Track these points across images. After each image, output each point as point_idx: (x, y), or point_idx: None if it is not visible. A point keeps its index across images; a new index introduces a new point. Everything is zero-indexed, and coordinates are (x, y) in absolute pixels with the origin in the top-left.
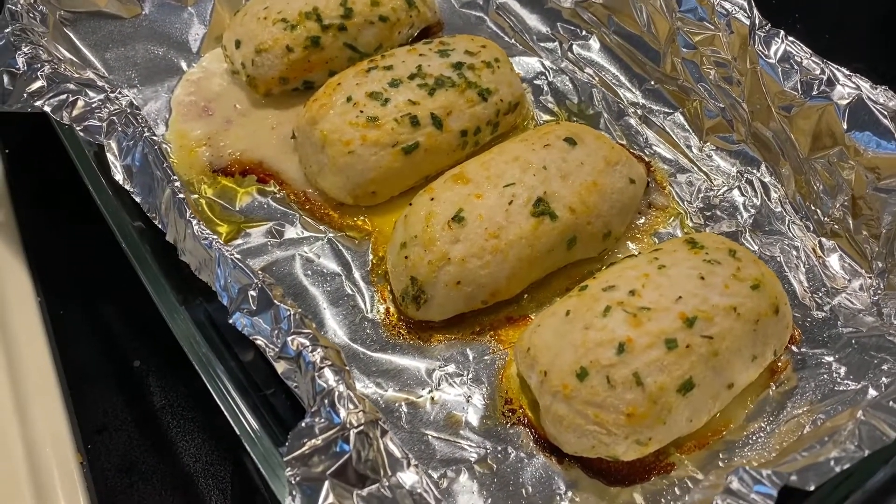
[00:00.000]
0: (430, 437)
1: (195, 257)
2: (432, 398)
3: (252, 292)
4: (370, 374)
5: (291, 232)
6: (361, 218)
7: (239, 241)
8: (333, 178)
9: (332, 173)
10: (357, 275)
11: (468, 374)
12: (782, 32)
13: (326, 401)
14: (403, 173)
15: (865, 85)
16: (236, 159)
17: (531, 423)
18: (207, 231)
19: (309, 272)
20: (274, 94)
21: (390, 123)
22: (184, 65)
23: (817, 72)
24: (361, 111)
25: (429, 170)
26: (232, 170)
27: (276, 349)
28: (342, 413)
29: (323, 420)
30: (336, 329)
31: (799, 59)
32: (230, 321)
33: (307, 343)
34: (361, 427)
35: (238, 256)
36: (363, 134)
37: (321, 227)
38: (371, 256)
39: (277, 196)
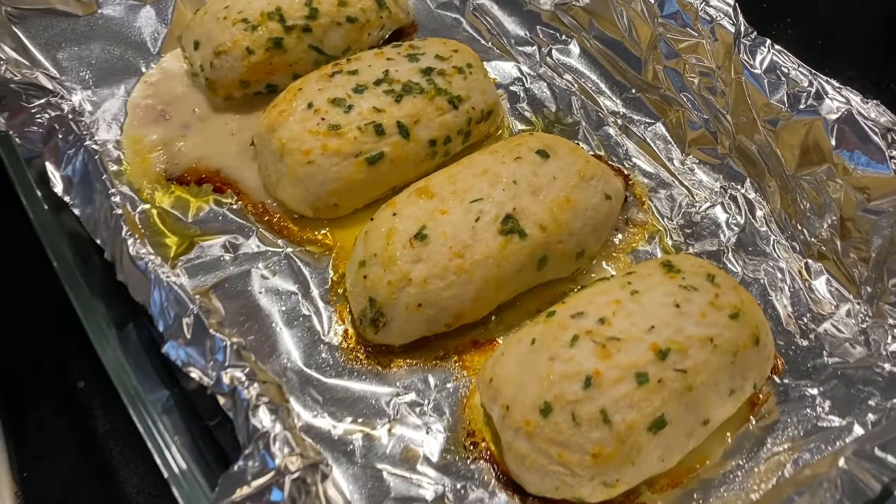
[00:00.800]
0: (385, 472)
1: (131, 278)
2: (389, 430)
3: (187, 320)
4: (324, 403)
5: (247, 246)
6: (323, 231)
7: (191, 255)
8: (292, 190)
9: (291, 184)
10: (315, 293)
11: (429, 404)
12: (769, 41)
13: (261, 443)
14: (367, 185)
15: (856, 98)
16: (192, 167)
17: (494, 458)
18: (146, 251)
19: (264, 290)
20: (235, 99)
21: (353, 132)
22: (142, 66)
23: (805, 84)
24: (323, 118)
25: (395, 181)
26: (187, 178)
27: (211, 382)
28: (277, 457)
29: (256, 464)
30: (290, 352)
31: (786, 70)
32: (163, 351)
33: (243, 378)
34: (298, 473)
35: (174, 280)
36: (324, 143)
37: (279, 241)
38: (331, 273)
39: (234, 207)
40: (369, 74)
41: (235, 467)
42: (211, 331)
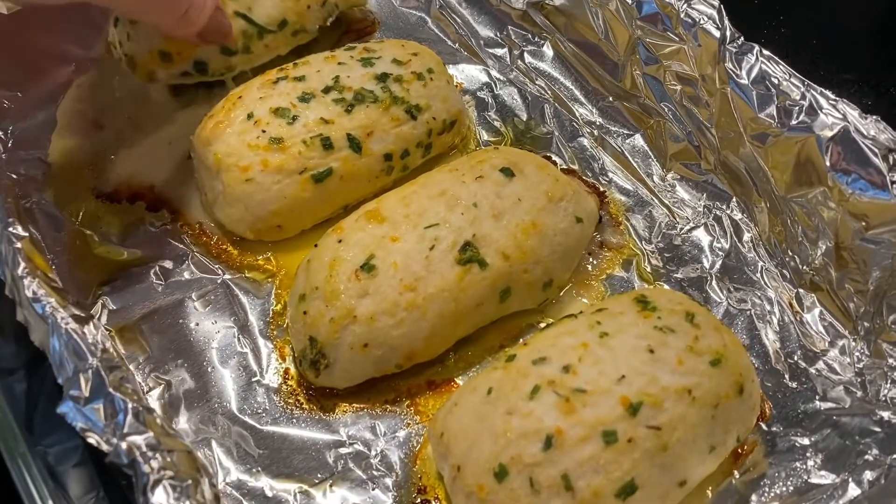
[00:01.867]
0: None
1: (30, 321)
2: (330, 486)
3: (85, 375)
4: (258, 456)
5: (181, 272)
6: (265, 255)
7: (118, 282)
8: (230, 210)
9: (229, 203)
10: (254, 327)
11: (376, 456)
12: (757, 48)
13: None
14: (314, 204)
15: (853, 113)
16: (125, 182)
17: None
18: (43, 291)
19: (197, 323)
20: (159, 80)
21: (297, 146)
22: (74, 69)
23: (797, 96)
24: (264, 131)
25: (346, 199)
26: (119, 195)
27: (111, 450)
28: None
29: None
30: (223, 395)
31: (776, 81)
32: (59, 411)
33: (143, 447)
34: None
35: (74, 327)
36: (264, 158)
37: (217, 267)
38: (273, 304)
39: (169, 228)
40: (318, 81)
41: None
42: (110, 389)
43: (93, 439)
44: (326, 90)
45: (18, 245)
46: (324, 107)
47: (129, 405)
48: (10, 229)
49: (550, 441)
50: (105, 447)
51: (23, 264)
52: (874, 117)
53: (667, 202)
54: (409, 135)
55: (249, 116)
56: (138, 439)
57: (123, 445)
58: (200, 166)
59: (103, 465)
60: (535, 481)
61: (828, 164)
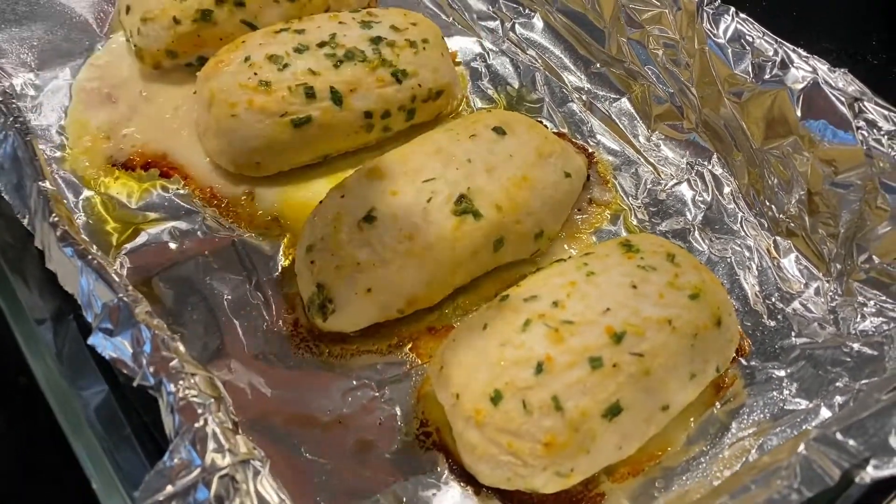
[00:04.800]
0: (334, 466)
1: (60, 266)
2: (339, 420)
3: (113, 309)
4: (271, 395)
5: (195, 232)
6: (272, 217)
7: (136, 242)
8: (216, 141)
9: (215, 135)
10: (264, 281)
11: (381, 394)
12: (733, 9)
13: (187, 439)
14: (292, 147)
15: (823, 67)
16: (138, 152)
17: (448, 449)
18: (73, 237)
19: (211, 277)
20: (165, 68)
21: (282, 91)
22: (88, 47)
23: (770, 53)
24: (255, 73)
25: (326, 149)
26: (133, 163)
27: (137, 376)
28: (204, 454)
29: (182, 461)
30: (237, 342)
31: (750, 39)
32: (88, 342)
33: (170, 370)
34: (227, 470)
35: (103, 266)
36: (251, 98)
37: (228, 226)
38: (281, 259)
39: (181, 192)
40: (315, 35)
41: (160, 465)
42: (137, 320)
43: (121, 366)
44: (321, 45)
45: (48, 196)
46: (315, 59)
47: (154, 333)
48: (40, 183)
49: (541, 367)
50: (133, 372)
51: (53, 213)
52: (842, 70)
53: (652, 161)
54: (392, 97)
55: (246, 59)
56: (164, 363)
57: (151, 369)
58: (199, 100)
59: (127, 406)
60: (527, 403)
61: (798, 114)
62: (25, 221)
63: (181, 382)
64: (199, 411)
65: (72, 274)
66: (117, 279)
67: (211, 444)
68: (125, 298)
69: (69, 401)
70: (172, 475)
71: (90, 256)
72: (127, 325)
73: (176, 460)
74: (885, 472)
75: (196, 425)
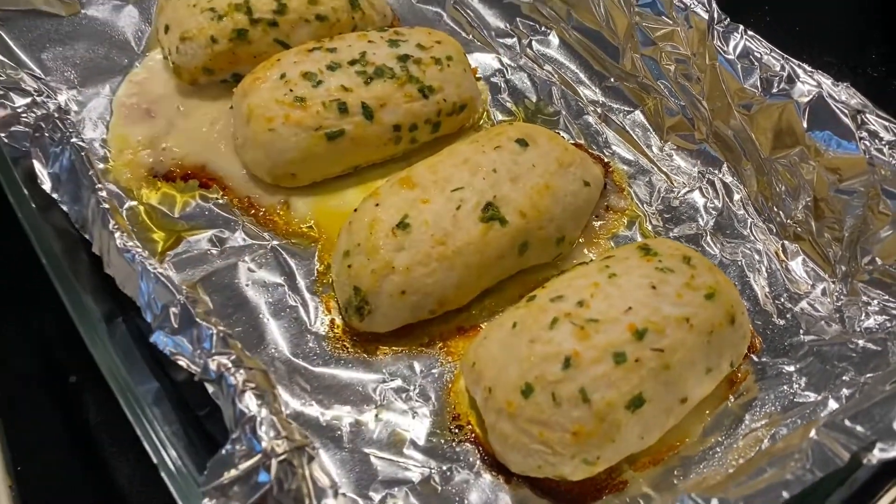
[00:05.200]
0: (372, 456)
1: (119, 271)
2: (376, 415)
3: (174, 309)
4: (312, 391)
5: (234, 239)
6: (307, 225)
7: (179, 250)
8: (253, 153)
9: (253, 148)
10: (301, 284)
11: (415, 389)
12: (741, 27)
13: (248, 427)
14: (325, 159)
15: (827, 81)
16: (178, 164)
17: (479, 440)
18: (131, 243)
19: (251, 282)
20: (201, 84)
21: (317, 106)
22: (126, 64)
23: (777, 68)
24: (291, 90)
25: (356, 160)
26: (174, 175)
27: (199, 370)
28: (264, 441)
29: (244, 447)
30: (277, 343)
31: (759, 55)
32: (151, 340)
33: (229, 364)
34: (284, 455)
35: (161, 271)
36: (287, 113)
37: (265, 235)
38: (317, 265)
39: (220, 202)
40: (346, 54)
41: (223, 451)
42: (198, 319)
43: (182, 362)
44: (352, 62)
45: (106, 206)
46: (347, 76)
47: (214, 331)
48: (100, 192)
49: (569, 362)
50: (194, 368)
51: (112, 221)
52: (845, 84)
53: (665, 170)
54: (419, 111)
55: (282, 76)
56: (223, 358)
57: (212, 364)
58: (236, 114)
59: (178, 402)
60: (556, 396)
61: (805, 126)
62: (84, 231)
63: (240, 376)
64: (258, 402)
65: (131, 278)
66: (173, 282)
67: (270, 433)
68: (185, 299)
69: (133, 392)
70: (235, 460)
71: (149, 263)
72: (188, 324)
73: (238, 447)
74: (891, 454)
75: (255, 415)
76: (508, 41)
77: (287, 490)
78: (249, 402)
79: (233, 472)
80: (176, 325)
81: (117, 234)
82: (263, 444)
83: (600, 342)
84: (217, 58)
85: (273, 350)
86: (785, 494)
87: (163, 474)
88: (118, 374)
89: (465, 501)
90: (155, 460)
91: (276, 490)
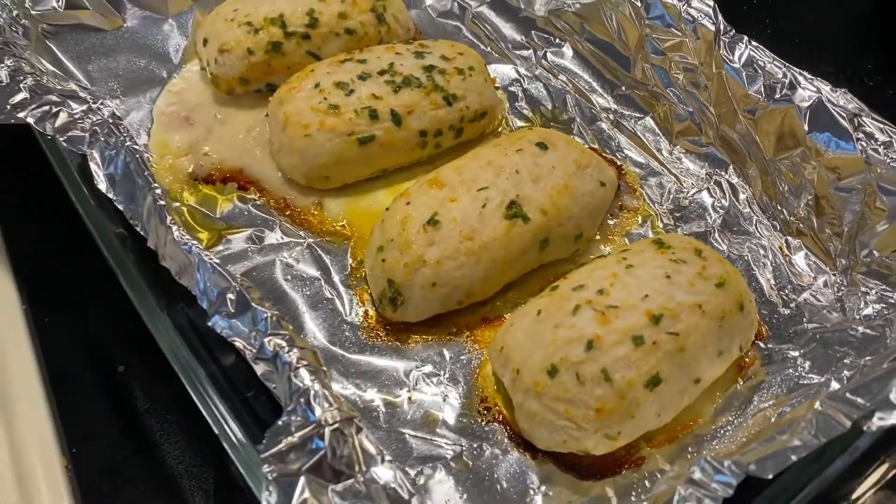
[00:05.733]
0: (407, 435)
1: (175, 262)
2: (409, 398)
3: (230, 295)
4: (349, 376)
5: (271, 237)
6: (340, 224)
7: (220, 248)
8: (290, 158)
9: (289, 153)
10: (336, 279)
11: (445, 374)
12: (746, 38)
13: (302, 399)
14: (357, 162)
15: (825, 88)
16: (217, 168)
17: (506, 420)
18: (187, 237)
19: (289, 277)
20: (237, 94)
21: (349, 113)
22: (165, 75)
23: (779, 75)
24: (325, 98)
25: (385, 163)
26: (213, 178)
27: (254, 350)
28: (317, 411)
29: (299, 418)
30: (315, 332)
31: (762, 64)
32: (209, 323)
33: (284, 344)
34: (336, 425)
35: (217, 261)
36: (322, 120)
37: (300, 233)
38: (350, 260)
39: (258, 203)
40: (376, 64)
41: (280, 422)
42: (253, 304)
43: (239, 343)
44: (381, 73)
45: (163, 202)
46: (376, 85)
47: (269, 314)
48: (156, 190)
49: (591, 344)
50: (250, 348)
51: (169, 216)
52: (842, 90)
53: (674, 171)
54: (444, 118)
55: (316, 86)
56: (278, 339)
57: (268, 344)
58: (273, 121)
59: (228, 384)
60: (580, 375)
61: (806, 128)
62: (138, 227)
63: (294, 354)
64: (311, 377)
65: (188, 269)
66: (229, 271)
67: (324, 404)
68: (240, 286)
69: (194, 371)
70: (291, 430)
71: (205, 254)
72: (244, 308)
73: (293, 418)
74: (888, 422)
75: (309, 388)
76: (524, 53)
77: (339, 456)
78: (304, 377)
79: (290, 440)
80: (232, 310)
81: (174, 228)
82: (317, 414)
83: (620, 326)
84: (253, 69)
85: (312, 339)
86: (793, 457)
87: (224, 444)
88: (179, 353)
89: (495, 475)
90: (216, 431)
91: (330, 456)
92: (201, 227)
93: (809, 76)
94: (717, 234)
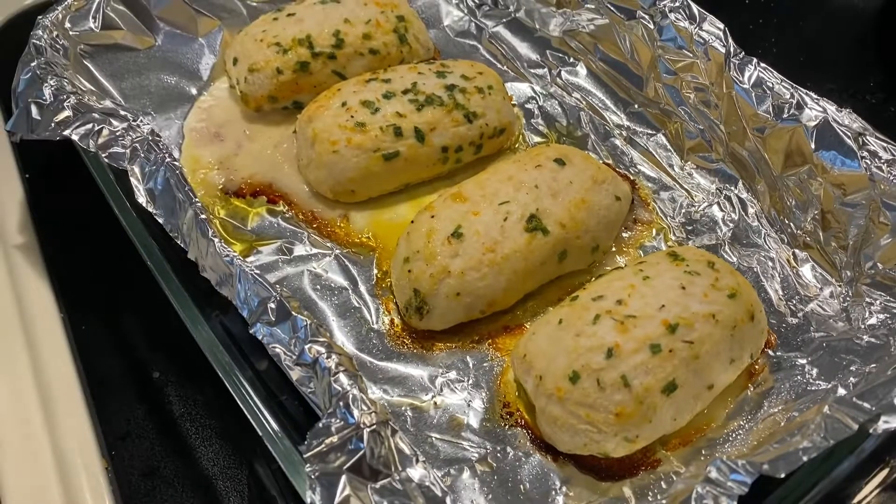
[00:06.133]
0: (433, 438)
1: (216, 273)
2: (435, 403)
3: (271, 304)
4: (377, 381)
5: (300, 249)
6: (365, 236)
7: (251, 259)
8: (318, 172)
9: (318, 168)
10: (363, 288)
11: (468, 380)
12: (755, 60)
13: (342, 403)
14: (382, 177)
15: (831, 108)
16: (247, 182)
17: (528, 424)
18: (228, 249)
19: (318, 286)
20: (265, 111)
21: (375, 131)
22: (195, 92)
23: (787, 96)
24: (352, 116)
25: (408, 178)
26: (243, 192)
27: (294, 356)
28: (356, 413)
29: (339, 420)
30: (344, 340)
31: (771, 85)
32: (251, 331)
33: (323, 350)
34: (374, 426)
35: (257, 272)
36: (349, 136)
37: (328, 245)
38: (375, 271)
39: (286, 216)
40: (399, 84)
41: (321, 423)
42: (293, 313)
43: (279, 349)
44: (405, 91)
45: (203, 216)
46: (401, 104)
47: (308, 322)
48: (197, 204)
49: (611, 352)
50: (290, 355)
51: (211, 230)
52: (847, 109)
53: (686, 186)
54: (465, 135)
55: (343, 104)
56: (318, 346)
57: (308, 350)
58: (301, 137)
59: (264, 387)
60: (601, 381)
61: (812, 147)
62: (178, 239)
63: (333, 359)
64: (350, 382)
65: (229, 279)
66: (269, 281)
67: (363, 406)
68: (280, 297)
69: (235, 373)
70: (332, 431)
71: (245, 265)
72: (284, 316)
73: (333, 420)
74: (893, 425)
75: (348, 391)
76: (539, 71)
77: (377, 457)
78: (343, 381)
79: (331, 440)
80: (273, 318)
81: (216, 241)
82: (357, 417)
83: (638, 335)
84: (281, 87)
85: (342, 346)
86: (804, 458)
87: (267, 444)
88: (220, 356)
89: (518, 477)
90: (260, 433)
91: (369, 456)
92: (234, 239)
93: (816, 97)
94: (727, 247)
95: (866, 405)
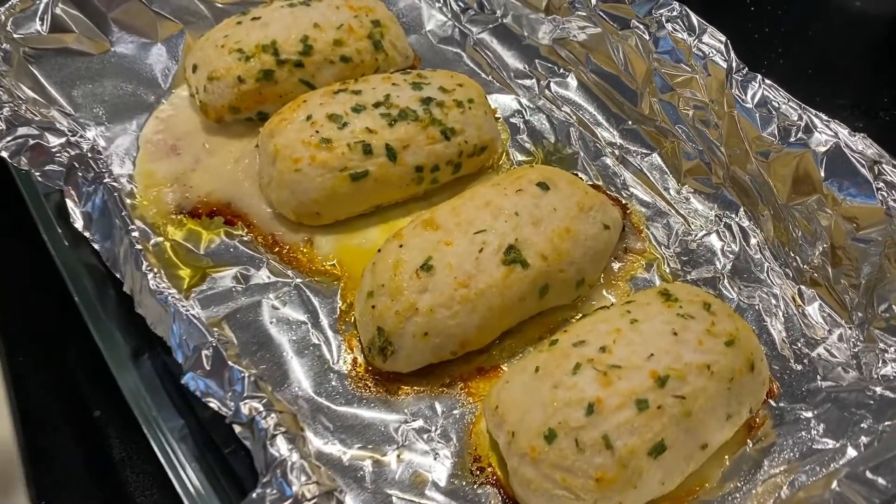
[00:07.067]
0: (394, 497)
1: (151, 312)
2: (398, 456)
3: (206, 352)
4: (334, 430)
5: (258, 277)
6: (330, 263)
7: (204, 287)
8: (279, 192)
9: (279, 187)
10: (324, 323)
11: (436, 430)
12: (759, 76)
13: (279, 471)
14: (350, 199)
15: (843, 132)
16: (203, 200)
17: (500, 482)
18: (164, 284)
19: (275, 320)
20: (227, 122)
21: (342, 148)
22: (153, 101)
23: (795, 117)
24: (317, 131)
25: (379, 200)
26: (199, 211)
27: (230, 412)
28: (294, 485)
29: (275, 491)
30: (301, 381)
31: (777, 105)
32: (182, 382)
33: (261, 408)
34: (314, 500)
35: (194, 313)
36: (313, 154)
37: (289, 272)
38: (340, 303)
39: (245, 239)
40: (371, 96)
41: (254, 494)
42: (230, 363)
43: (214, 404)
44: (377, 105)
45: (139, 247)
46: (371, 118)
47: (246, 374)
48: (133, 233)
49: (592, 408)
50: (225, 410)
51: (145, 262)
52: (861, 135)
53: (682, 212)
54: (441, 153)
55: (308, 118)
56: (255, 402)
57: (244, 407)
58: (262, 153)
59: (204, 440)
60: (580, 442)
61: (822, 175)
62: (114, 269)
63: (271, 420)
64: (289, 447)
65: (163, 319)
66: (205, 324)
67: (301, 477)
68: (217, 342)
69: (161, 429)
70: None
71: (182, 305)
72: (219, 366)
73: (269, 490)
74: None
75: (286, 459)
76: (527, 82)
77: None
78: (281, 446)
79: None
80: (208, 368)
81: (150, 276)
82: (294, 489)
83: (623, 389)
84: (243, 97)
85: (297, 388)
86: None
87: None
88: (146, 409)
89: None
90: (184, 499)
91: None
92: (185, 265)
93: (826, 118)
94: (726, 281)
95: (881, 481)
